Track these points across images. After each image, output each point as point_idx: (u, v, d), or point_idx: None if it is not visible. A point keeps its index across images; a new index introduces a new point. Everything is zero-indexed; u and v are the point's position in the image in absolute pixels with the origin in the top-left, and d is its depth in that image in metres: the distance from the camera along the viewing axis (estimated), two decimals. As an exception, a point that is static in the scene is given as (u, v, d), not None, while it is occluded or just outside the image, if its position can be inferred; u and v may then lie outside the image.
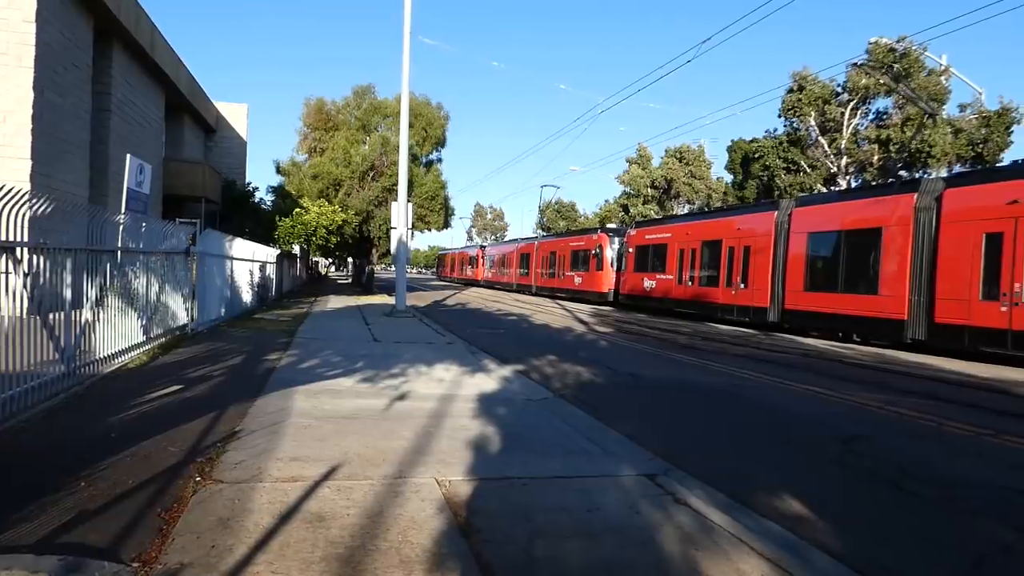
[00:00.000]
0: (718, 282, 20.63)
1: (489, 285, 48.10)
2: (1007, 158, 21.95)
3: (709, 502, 3.93)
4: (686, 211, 41.60)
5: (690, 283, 22.32)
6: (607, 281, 28.95)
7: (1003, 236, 12.36)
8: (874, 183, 22.55)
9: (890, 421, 7.06)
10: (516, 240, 47.30)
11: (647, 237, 25.58)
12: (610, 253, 28.89)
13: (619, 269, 28.28)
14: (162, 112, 21.80)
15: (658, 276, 24.25)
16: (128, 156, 10.25)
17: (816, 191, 25.84)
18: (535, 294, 37.38)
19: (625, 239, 27.74)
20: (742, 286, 19.41)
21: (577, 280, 31.73)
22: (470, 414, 6.12)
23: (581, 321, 20.03)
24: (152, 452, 4.54)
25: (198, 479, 3.97)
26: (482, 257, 51.90)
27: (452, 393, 7.12)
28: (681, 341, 14.88)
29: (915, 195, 14.44)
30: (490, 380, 8.11)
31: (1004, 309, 12.14)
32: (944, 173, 23.67)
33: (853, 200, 16.54)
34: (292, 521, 3.34)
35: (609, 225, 36.69)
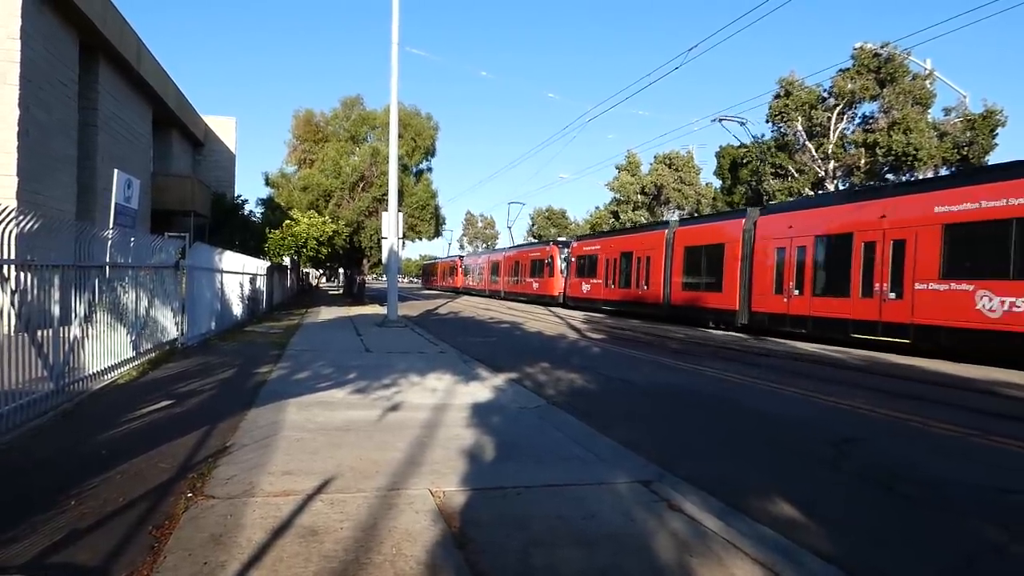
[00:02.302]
0: (630, 285, 25.83)
1: (467, 292, 52.51)
2: (992, 160, 22.24)
3: (703, 507, 3.93)
4: (676, 217, 42.78)
5: (613, 286, 27.37)
6: (557, 286, 33.87)
7: (785, 251, 17.62)
8: (859, 187, 22.82)
9: (879, 423, 7.10)
10: (489, 251, 53.68)
11: (584, 249, 30.81)
12: (560, 262, 33.92)
13: (567, 275, 33.02)
14: (149, 126, 21.74)
15: (592, 281, 29.42)
16: (115, 171, 10.20)
17: (804, 195, 26.05)
18: (503, 299, 42.14)
19: (570, 250, 32.87)
20: (646, 287, 24.69)
21: (535, 285, 36.91)
22: (463, 423, 6.10)
23: (573, 328, 20.06)
24: (143, 468, 4.50)
25: (190, 495, 3.93)
26: (460, 267, 57.08)
27: (445, 403, 7.10)
28: (672, 346, 14.93)
29: (743, 220, 19.60)
30: (483, 389, 8.10)
31: (785, 300, 17.52)
32: (931, 175, 23.98)
33: (708, 223, 22.52)
34: (285, 536, 3.32)
35: (559, 238, 42.15)
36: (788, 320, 17.31)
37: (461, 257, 60.68)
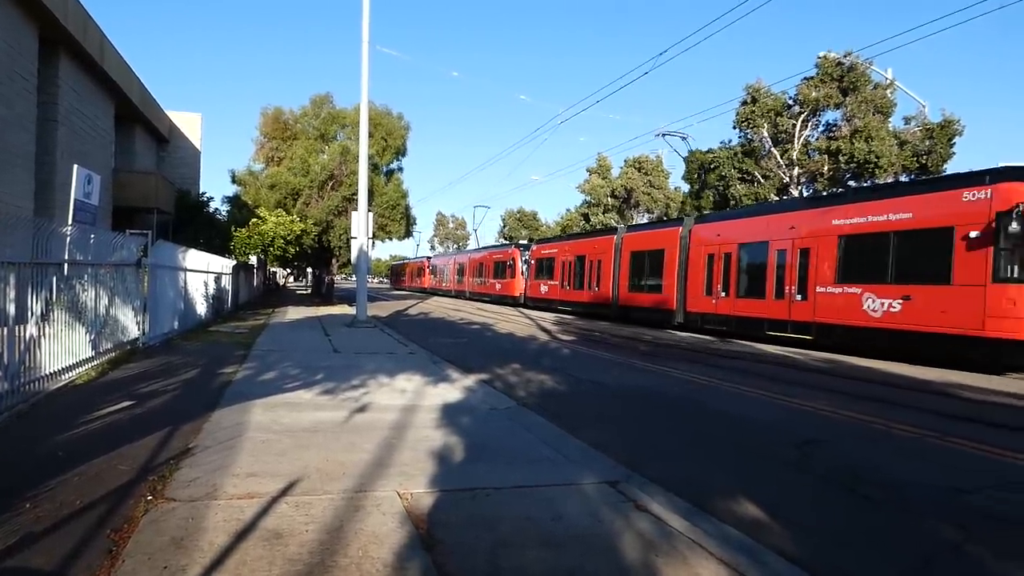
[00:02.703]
0: (584, 287, 27.16)
1: (434, 292, 53.61)
2: (949, 168, 22.93)
3: (669, 508, 3.98)
4: (645, 220, 43.71)
5: (568, 287, 28.69)
6: (519, 287, 34.89)
7: (713, 257, 19.15)
8: (828, 191, 23.34)
9: (842, 425, 7.26)
10: (455, 253, 54.66)
11: (543, 252, 32.14)
12: (521, 264, 34.89)
13: (527, 277, 34.15)
14: (112, 122, 21.21)
15: (549, 282, 30.74)
16: (75, 167, 9.95)
17: (770, 199, 26.54)
18: (468, 299, 43.03)
19: (530, 253, 33.99)
20: (596, 288, 25.99)
21: (498, 286, 37.95)
22: (433, 424, 6.08)
23: (544, 329, 20.12)
24: (101, 470, 4.38)
25: (150, 498, 3.85)
26: (428, 268, 57.96)
27: (414, 404, 7.06)
28: (641, 348, 15.08)
29: (680, 228, 21.16)
30: (453, 390, 8.08)
31: (714, 302, 19.03)
32: (891, 181, 24.64)
33: (651, 230, 24.18)
34: (248, 539, 3.27)
35: (520, 241, 43.79)
36: (715, 319, 19.06)
37: (429, 258, 61.57)
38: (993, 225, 11.89)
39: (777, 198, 26.79)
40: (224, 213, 29.97)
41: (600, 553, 3.31)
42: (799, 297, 15.97)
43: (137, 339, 10.76)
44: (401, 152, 31.47)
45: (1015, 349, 11.63)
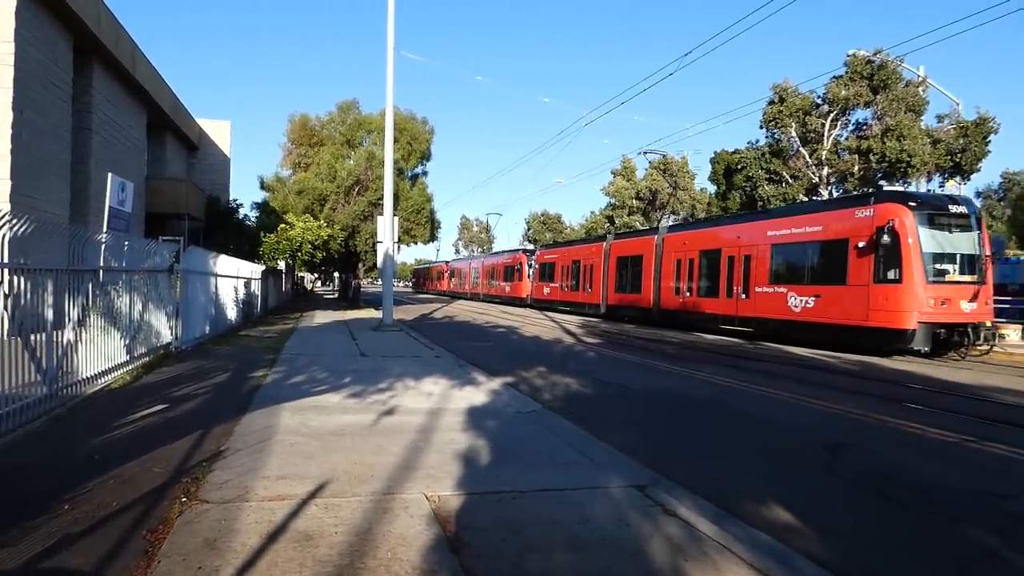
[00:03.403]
0: (579, 288, 30.12)
1: (452, 295, 56.48)
2: (985, 167, 22.44)
3: (697, 512, 3.94)
4: (671, 222, 43.81)
5: (566, 289, 31.67)
6: (525, 289, 37.83)
7: (680, 261, 22.00)
8: (854, 192, 22.95)
9: (872, 428, 7.12)
10: (471, 258, 57.95)
11: (546, 257, 35.30)
12: (527, 268, 37.85)
13: (532, 280, 37.20)
14: (144, 130, 21.68)
15: (551, 285, 33.74)
16: (109, 175, 10.19)
17: (799, 200, 26.16)
18: (482, 300, 45.93)
19: (535, 258, 36.97)
20: (588, 290, 28.96)
21: (507, 288, 40.88)
22: (459, 428, 6.10)
23: (569, 332, 20.08)
24: (137, 473, 4.48)
25: (184, 500, 3.92)
26: (447, 272, 61.20)
27: (440, 407, 7.10)
28: (667, 351, 14.95)
29: (656, 236, 24.03)
30: (479, 393, 8.10)
31: (681, 300, 21.93)
32: (924, 182, 24.14)
33: (633, 238, 26.93)
34: (279, 540, 3.32)
35: (527, 247, 46.65)
36: (683, 315, 21.89)
37: (447, 263, 64.82)
38: (873, 237, 14.47)
39: (806, 198, 26.42)
40: (253, 219, 30.47)
41: (628, 557, 3.29)
42: (743, 296, 18.71)
43: (170, 343, 10.97)
44: (426, 156, 31.72)
45: (889, 335, 14.24)
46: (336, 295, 51.52)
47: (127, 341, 8.68)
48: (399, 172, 28.32)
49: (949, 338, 14.09)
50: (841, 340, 15.44)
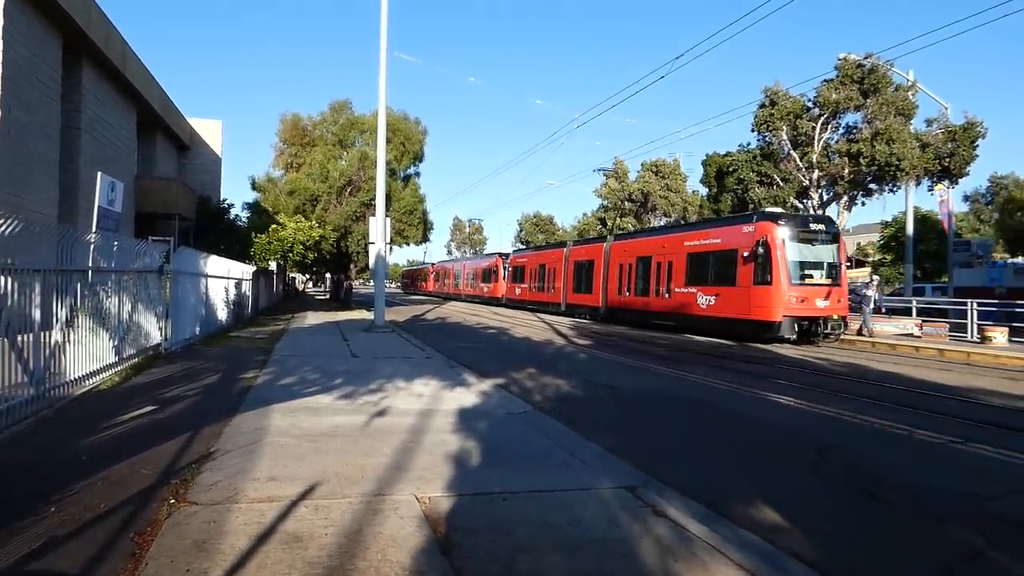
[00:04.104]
0: (543, 289, 33.46)
1: (438, 295, 58.64)
2: (973, 171, 22.63)
3: (687, 512, 3.96)
4: (663, 223, 44.67)
5: (534, 290, 34.94)
6: (501, 289, 40.82)
7: (622, 266, 25.21)
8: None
9: (861, 429, 7.17)
10: (454, 261, 61.35)
11: (518, 260, 38.82)
12: (503, 270, 40.86)
13: (506, 281, 40.22)
14: (134, 129, 21.56)
15: (521, 286, 36.98)
16: (99, 174, 10.13)
17: (790, 204, 26.31)
18: (463, 300, 48.37)
19: (508, 261, 40.41)
20: (552, 290, 32.22)
21: (485, 289, 43.84)
22: (450, 429, 6.10)
23: (560, 334, 20.11)
24: (125, 475, 4.45)
25: (172, 501, 3.90)
26: (432, 274, 64.02)
27: (431, 408, 7.09)
28: (658, 352, 15.00)
29: (604, 243, 27.52)
30: (469, 394, 8.09)
31: (621, 298, 25.01)
32: (913, 186, 24.33)
33: (586, 244, 30.74)
34: (269, 542, 3.30)
35: (503, 251, 48.50)
36: (624, 312, 24.96)
37: (433, 265, 67.86)
38: (753, 249, 17.89)
39: (797, 201, 26.59)
40: (244, 219, 30.33)
41: (618, 558, 3.30)
42: (667, 295, 22.08)
43: (159, 344, 10.91)
44: (418, 157, 31.71)
45: (764, 326, 17.64)
46: (328, 296, 51.36)
47: (116, 342, 8.62)
48: (392, 173, 28.29)
49: (810, 328, 17.64)
50: (733, 331, 18.78)
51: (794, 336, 17.24)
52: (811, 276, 17.93)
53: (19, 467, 4.61)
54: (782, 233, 17.63)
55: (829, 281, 17.98)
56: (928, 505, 4.71)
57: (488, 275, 43.49)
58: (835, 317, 17.80)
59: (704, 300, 19.98)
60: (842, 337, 18.20)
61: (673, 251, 21.95)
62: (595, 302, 27.36)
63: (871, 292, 19.24)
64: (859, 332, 18.68)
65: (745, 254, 18.16)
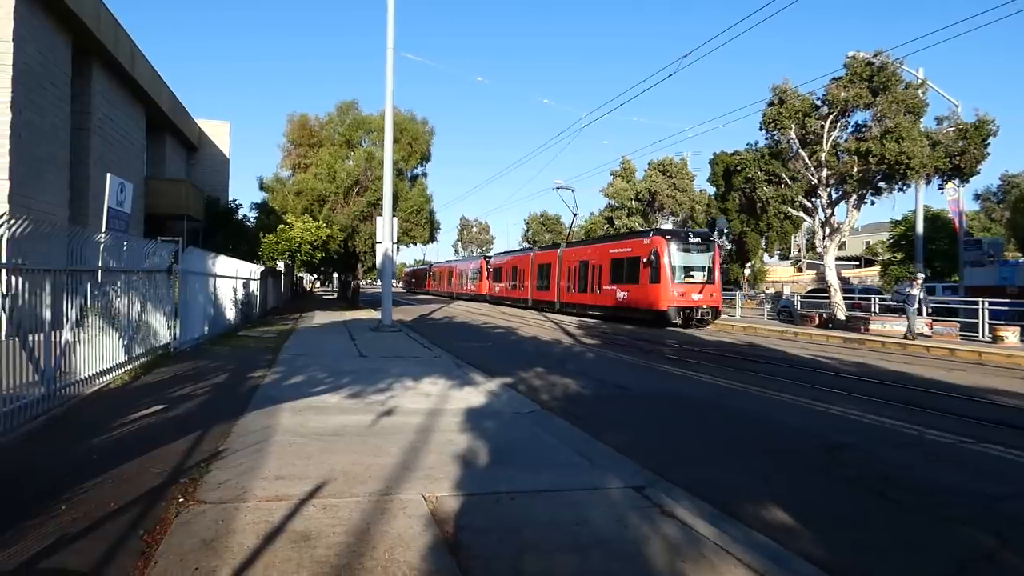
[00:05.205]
0: (515, 288, 39.19)
1: (437, 294, 62.97)
2: (984, 170, 22.39)
3: (696, 513, 3.94)
4: (669, 224, 45.75)
5: (508, 288, 40.70)
6: (484, 288, 46.21)
7: (570, 268, 30.76)
8: (854, 189, 22.94)
9: (871, 429, 7.12)
10: (448, 262, 66.16)
11: (497, 262, 44.42)
12: (486, 271, 46.23)
13: (489, 280, 45.77)
14: (143, 130, 21.68)
15: (499, 284, 42.75)
16: (108, 175, 10.16)
17: (798, 202, 26.17)
18: (455, 299, 52.91)
19: (490, 264, 45.91)
20: (522, 288, 37.82)
21: (472, 288, 49.36)
22: (457, 428, 6.10)
23: (568, 333, 20.07)
24: (134, 474, 4.48)
25: (181, 500, 3.92)
26: (432, 274, 68.52)
27: (439, 407, 7.09)
28: (666, 352, 14.95)
29: (559, 249, 33.33)
30: (477, 393, 8.09)
31: (569, 294, 30.40)
32: (923, 184, 24.13)
33: (547, 250, 35.86)
34: (277, 541, 3.31)
35: (488, 254, 56.10)
36: (572, 306, 30.38)
37: (431, 265, 72.80)
38: (649, 256, 23.59)
39: (806, 200, 26.45)
40: (252, 220, 30.45)
41: (626, 559, 3.29)
42: (597, 291, 27.61)
43: (168, 344, 10.97)
44: (425, 157, 31.70)
45: (658, 314, 23.05)
46: (335, 296, 51.54)
47: (125, 341, 8.67)
48: (399, 173, 28.31)
49: (689, 315, 22.88)
50: (639, 317, 24.46)
51: (679, 321, 22.65)
52: (691, 277, 23.39)
53: (31, 466, 4.64)
54: (669, 245, 23.31)
55: (704, 280, 23.44)
56: (939, 505, 4.68)
57: (475, 275, 48.98)
58: (705, 307, 23.20)
59: (620, 295, 25.67)
60: (711, 323, 23.90)
61: (602, 257, 27.58)
62: (552, 297, 32.90)
63: (915, 291, 18.14)
64: (904, 336, 17.78)
65: (644, 260, 23.93)
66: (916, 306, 18.08)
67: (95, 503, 3.88)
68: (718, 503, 4.25)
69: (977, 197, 49.97)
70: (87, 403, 6.83)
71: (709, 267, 23.72)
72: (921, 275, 19.68)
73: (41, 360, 5.99)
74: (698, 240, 24.04)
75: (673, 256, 23.15)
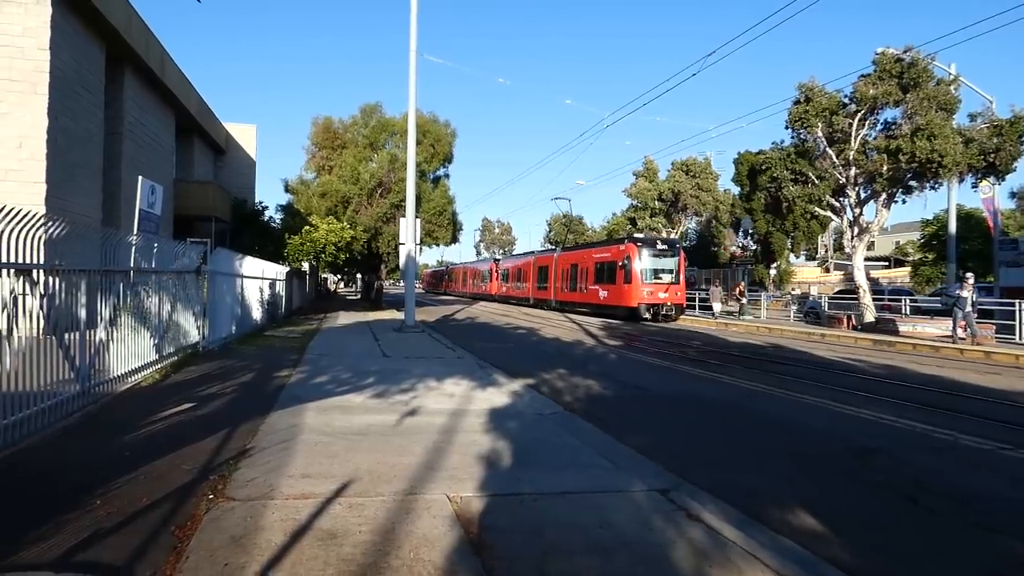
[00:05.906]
0: (519, 288, 42.71)
1: (454, 294, 66.24)
2: (1021, 167, 21.82)
3: (721, 517, 3.91)
4: (693, 224, 48.73)
5: (516, 289, 43.72)
6: (494, 288, 49.88)
7: (565, 269, 34.05)
8: (878, 187, 22.49)
9: (902, 433, 6.99)
10: (464, 263, 69.85)
11: (504, 264, 48.90)
12: (495, 273, 50.27)
13: (498, 281, 49.51)
14: (173, 134, 22.11)
15: (506, 285, 46.41)
16: (140, 178, 10.39)
17: (825, 202, 25.78)
18: (469, 299, 55.80)
19: (499, 266, 49.97)
20: (524, 288, 41.37)
21: (483, 287, 52.94)
22: (480, 429, 6.12)
23: (590, 334, 20.00)
24: (165, 470, 4.57)
25: (211, 497, 3.99)
26: (449, 275, 72.41)
27: (462, 408, 7.12)
28: (689, 354, 14.82)
29: (555, 253, 37.24)
30: (500, 394, 8.11)
31: (564, 293, 34.05)
32: (956, 182, 23.58)
33: (545, 254, 39.59)
34: (304, 539, 3.36)
35: (496, 256, 62.07)
36: (566, 303, 33.51)
37: (450, 267, 76.53)
38: (623, 260, 27.02)
39: (833, 199, 26.03)
40: (278, 221, 30.84)
41: (650, 562, 3.27)
42: (585, 291, 31.04)
43: (197, 343, 11.16)
44: (448, 159, 31.82)
45: (631, 311, 26.40)
46: (359, 296, 52.00)
47: (156, 340, 8.85)
48: (421, 174, 28.45)
49: (657, 311, 26.23)
50: (616, 314, 27.80)
51: (648, 316, 26.13)
52: (659, 278, 26.85)
53: (67, 462, 4.76)
54: (640, 250, 26.86)
55: (670, 281, 26.96)
56: (974, 512, 4.58)
57: (487, 277, 52.66)
58: (670, 304, 26.56)
59: (602, 294, 29.14)
60: (676, 318, 27.25)
61: (588, 261, 31.16)
62: (549, 296, 36.42)
63: (966, 293, 17.12)
64: (952, 340, 16.86)
65: (620, 263, 27.51)
66: (968, 307, 17.08)
67: (128, 499, 3.97)
68: (743, 507, 4.21)
69: (1013, 195, 48.68)
70: (119, 401, 6.98)
71: (675, 270, 27.33)
72: (971, 276, 18.40)
73: (76, 358, 6.14)
74: (666, 247, 27.87)
75: (644, 260, 26.73)
